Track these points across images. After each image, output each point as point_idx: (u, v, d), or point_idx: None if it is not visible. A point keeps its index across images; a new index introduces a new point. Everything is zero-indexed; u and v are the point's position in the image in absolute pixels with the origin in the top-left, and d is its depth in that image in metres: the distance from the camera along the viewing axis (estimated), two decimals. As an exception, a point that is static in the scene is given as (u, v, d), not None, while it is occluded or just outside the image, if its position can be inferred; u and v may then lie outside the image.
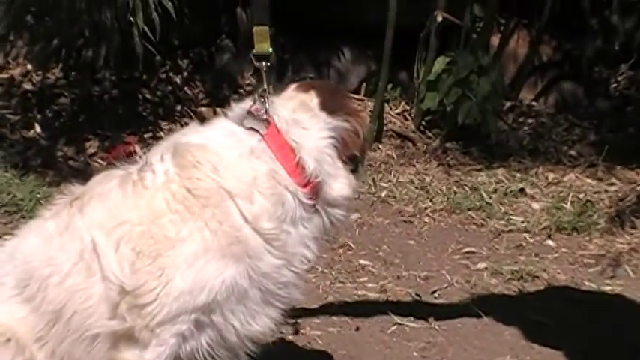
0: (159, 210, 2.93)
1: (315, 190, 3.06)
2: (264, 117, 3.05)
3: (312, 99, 3.13)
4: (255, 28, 3.19)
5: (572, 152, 7.59)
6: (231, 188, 2.95)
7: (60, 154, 6.72)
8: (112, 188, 3.02)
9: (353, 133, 3.12)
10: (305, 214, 3.07)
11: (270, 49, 3.20)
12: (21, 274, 3.03)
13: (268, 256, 2.99)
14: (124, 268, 2.90)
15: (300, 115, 3.10)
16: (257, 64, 3.20)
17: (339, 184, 3.11)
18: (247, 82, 7.72)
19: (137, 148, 6.82)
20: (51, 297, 2.97)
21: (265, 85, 3.12)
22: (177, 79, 7.77)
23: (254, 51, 3.20)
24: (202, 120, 7.34)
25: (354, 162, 3.15)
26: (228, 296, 2.95)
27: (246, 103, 3.12)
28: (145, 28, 6.61)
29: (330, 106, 3.12)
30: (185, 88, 7.76)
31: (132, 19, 6.61)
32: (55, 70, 7.40)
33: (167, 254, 2.89)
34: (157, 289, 2.88)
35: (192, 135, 3.10)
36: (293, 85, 3.23)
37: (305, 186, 3.04)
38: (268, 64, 3.19)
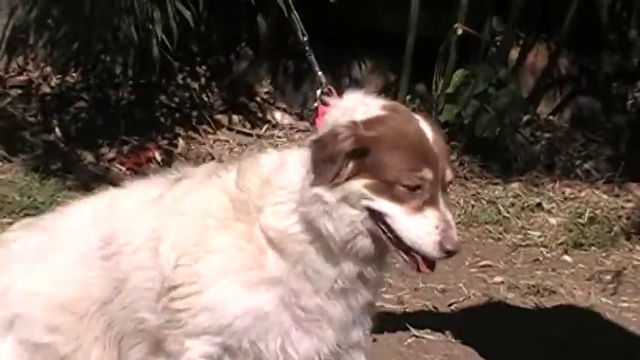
0: (211, 209, 2.86)
1: None
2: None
3: None
4: None
5: (589, 167, 7.57)
6: (261, 204, 2.83)
7: (79, 158, 6.73)
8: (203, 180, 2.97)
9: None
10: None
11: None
12: (107, 231, 2.98)
13: (300, 279, 2.81)
14: (170, 259, 2.84)
15: None
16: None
17: None
18: (266, 90, 7.71)
19: (156, 154, 6.83)
20: (121, 265, 2.92)
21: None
22: (195, 86, 7.77)
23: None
24: (219, 127, 7.40)
25: None
26: (252, 324, 2.80)
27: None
28: (163, 36, 6.61)
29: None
30: (202, 95, 7.75)
31: (150, 27, 6.61)
32: (74, 74, 7.40)
33: (203, 261, 2.81)
34: (189, 298, 2.82)
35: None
36: None
37: None
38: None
